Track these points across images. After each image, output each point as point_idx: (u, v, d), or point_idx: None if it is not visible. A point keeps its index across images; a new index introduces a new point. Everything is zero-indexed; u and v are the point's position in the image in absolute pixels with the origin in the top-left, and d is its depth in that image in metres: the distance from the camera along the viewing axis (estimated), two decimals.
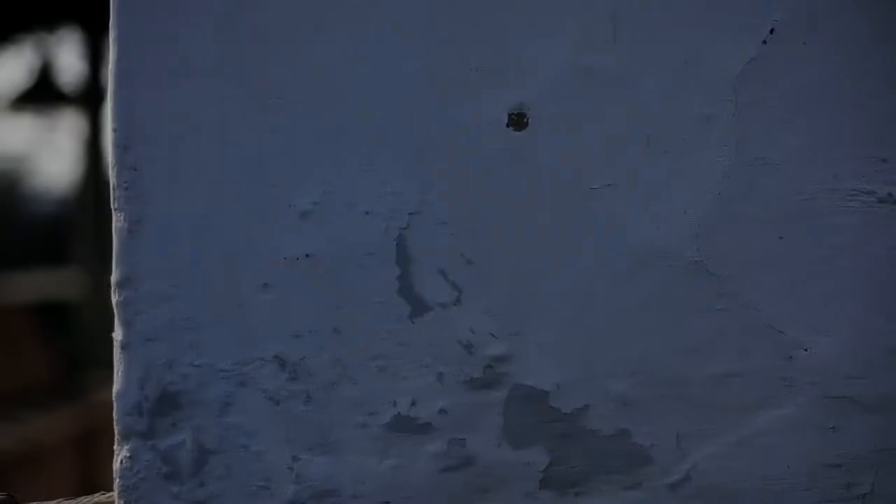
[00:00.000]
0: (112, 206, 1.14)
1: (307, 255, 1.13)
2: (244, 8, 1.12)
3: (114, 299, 1.14)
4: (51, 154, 17.91)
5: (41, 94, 7.41)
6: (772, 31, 1.13)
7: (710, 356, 1.13)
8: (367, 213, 1.12)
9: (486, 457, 1.13)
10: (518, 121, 1.13)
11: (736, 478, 1.14)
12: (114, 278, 1.13)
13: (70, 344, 7.18)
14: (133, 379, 1.13)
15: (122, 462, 1.14)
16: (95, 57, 6.56)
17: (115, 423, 1.14)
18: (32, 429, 5.10)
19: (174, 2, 1.12)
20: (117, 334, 1.14)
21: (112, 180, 1.14)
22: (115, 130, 1.13)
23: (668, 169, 1.13)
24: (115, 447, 1.15)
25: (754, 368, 1.14)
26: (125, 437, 1.14)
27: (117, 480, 1.14)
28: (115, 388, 1.14)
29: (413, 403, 1.13)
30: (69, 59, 15.78)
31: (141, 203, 1.13)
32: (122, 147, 1.13)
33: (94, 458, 5.99)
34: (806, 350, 1.13)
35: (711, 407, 1.14)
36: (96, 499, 1.20)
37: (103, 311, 6.54)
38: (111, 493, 1.22)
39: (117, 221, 1.13)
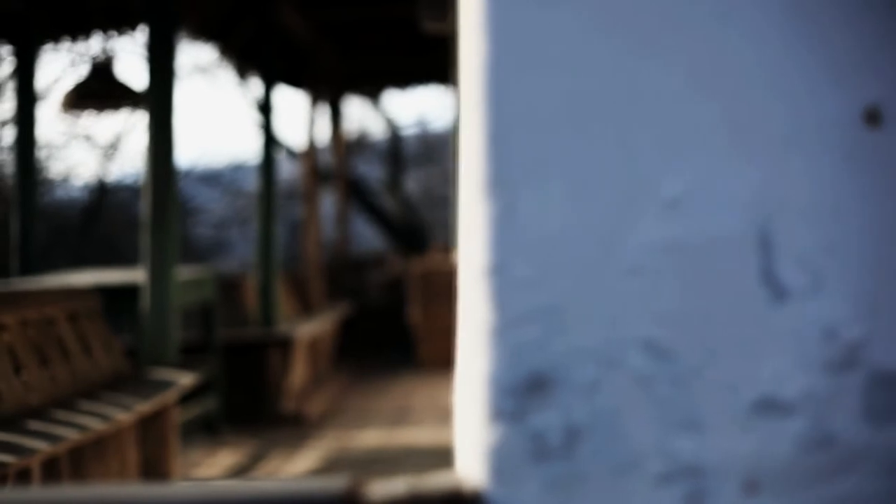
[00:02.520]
0: (481, 194, 1.14)
1: (674, 242, 1.12)
2: (618, 4, 1.12)
3: (484, 284, 1.13)
4: (80, 146, 17.86)
5: (104, 90, 7.39)
6: None
7: None
8: (731, 202, 1.13)
9: (847, 435, 1.13)
10: (873, 117, 1.13)
11: None
12: (485, 264, 1.13)
13: (131, 336, 7.16)
14: (504, 361, 1.13)
15: (492, 442, 1.13)
16: (163, 56, 6.53)
17: (485, 404, 1.14)
18: (102, 416, 5.08)
19: None
20: (488, 318, 1.13)
21: (481, 168, 1.14)
22: (485, 120, 1.13)
23: None
24: (483, 427, 1.14)
25: None
26: (496, 418, 1.13)
27: (487, 460, 1.13)
28: (486, 370, 1.13)
29: (776, 385, 1.13)
30: (130, 57, 15.78)
31: (511, 190, 1.12)
32: (492, 136, 1.13)
33: (153, 442, 5.99)
34: None
35: None
36: (440, 478, 1.19)
37: (162, 306, 6.54)
38: (453, 472, 1.22)
39: (488, 208, 1.13)
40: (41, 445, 4.29)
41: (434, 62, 12.67)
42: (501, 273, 1.13)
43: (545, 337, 1.12)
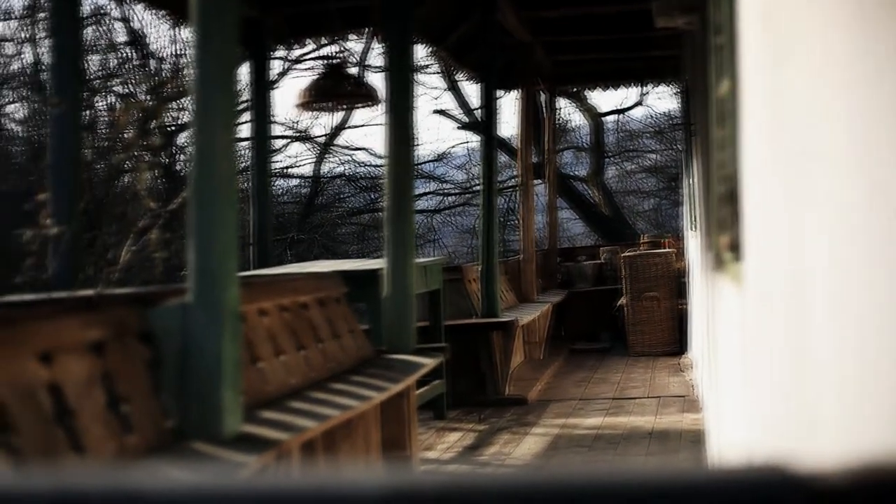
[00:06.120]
0: None
1: None
2: None
3: None
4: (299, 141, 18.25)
5: (339, 89, 7.51)
6: None
7: None
8: None
9: None
10: None
11: None
12: None
13: (369, 320, 7.25)
14: None
15: None
16: (401, 56, 6.60)
17: None
18: (356, 396, 5.14)
19: None
20: None
21: None
22: None
23: None
24: None
25: None
26: None
27: None
28: None
29: None
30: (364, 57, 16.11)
31: None
32: None
33: (393, 422, 6.05)
34: None
35: None
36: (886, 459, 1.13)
37: (402, 292, 6.60)
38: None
39: None
40: (309, 424, 4.36)
41: (642, 59, 12.54)
42: None
43: None
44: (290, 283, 5.72)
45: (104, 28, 16.47)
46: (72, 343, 3.43)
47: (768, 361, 2.48)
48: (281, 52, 15.17)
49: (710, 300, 5.80)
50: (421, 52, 12.71)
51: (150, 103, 14.64)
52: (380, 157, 19.57)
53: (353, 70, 16.73)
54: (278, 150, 17.39)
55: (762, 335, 2.63)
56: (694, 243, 9.07)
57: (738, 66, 3.24)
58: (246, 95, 9.00)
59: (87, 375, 3.44)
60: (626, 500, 0.96)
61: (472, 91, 20.58)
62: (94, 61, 16.38)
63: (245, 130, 11.50)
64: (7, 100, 17.17)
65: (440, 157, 21.91)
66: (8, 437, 2.97)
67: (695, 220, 8.63)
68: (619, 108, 21.70)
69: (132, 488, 0.89)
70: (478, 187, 17.94)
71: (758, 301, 2.72)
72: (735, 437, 3.74)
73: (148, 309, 3.94)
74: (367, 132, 23.18)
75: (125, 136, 13.89)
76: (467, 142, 21.32)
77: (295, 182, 19.48)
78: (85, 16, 15.59)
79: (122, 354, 3.68)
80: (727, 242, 3.53)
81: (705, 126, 5.68)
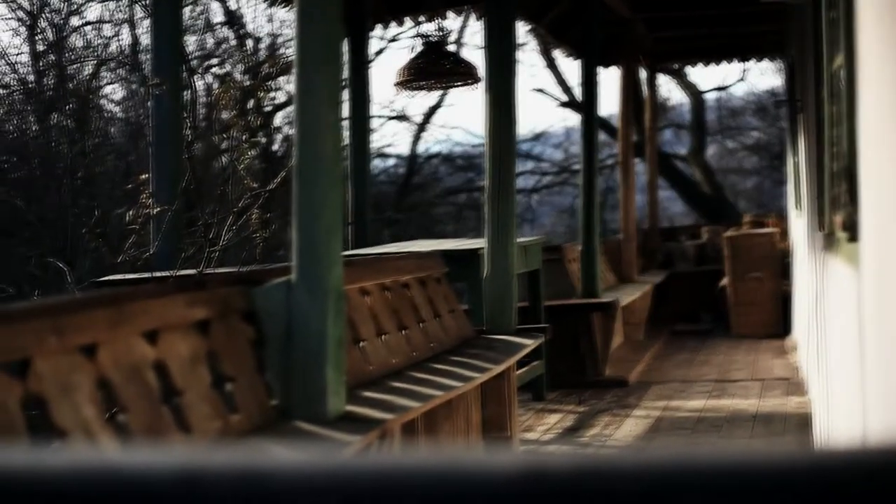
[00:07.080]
0: None
1: None
2: None
3: None
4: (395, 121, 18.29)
5: (438, 67, 7.50)
6: None
7: None
8: None
9: None
10: None
11: None
12: None
13: (468, 300, 7.24)
14: None
15: None
16: (502, 34, 6.56)
17: None
18: (458, 377, 5.14)
19: None
20: None
21: None
22: None
23: None
24: None
25: None
26: None
27: None
28: None
29: None
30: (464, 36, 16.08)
31: None
32: None
33: (493, 403, 6.04)
34: None
35: None
36: None
37: (503, 272, 6.58)
38: None
39: None
40: (411, 403, 4.36)
41: (744, 35, 12.35)
42: None
43: None
44: (392, 263, 5.73)
45: (201, 8, 16.64)
46: (177, 322, 3.47)
47: (889, 344, 2.42)
48: (377, 31, 15.19)
49: (818, 281, 5.70)
50: (519, 30, 12.66)
51: (248, 83, 14.77)
52: (476, 135, 19.56)
53: (452, 48, 16.74)
54: (374, 130, 17.45)
55: (883, 317, 2.56)
56: (799, 223, 8.91)
57: (854, 41, 3.16)
58: (344, 74, 8.99)
59: (193, 354, 3.47)
60: (768, 480, 0.93)
61: (571, 69, 20.46)
62: (190, 42, 16.56)
63: (343, 110, 11.57)
64: (105, 81, 17.44)
65: (538, 136, 21.81)
66: (115, 413, 3.01)
67: (800, 199, 8.48)
68: (720, 85, 21.42)
69: (258, 468, 0.88)
70: (576, 166, 17.84)
71: (877, 282, 2.65)
72: (847, 421, 3.66)
73: (252, 288, 3.96)
74: (464, 111, 23.14)
75: (223, 116, 14.04)
76: (565, 120, 21.22)
77: (391, 162, 19.55)
78: None
79: (227, 334, 3.71)
80: (841, 221, 3.45)
81: (814, 102, 5.57)
